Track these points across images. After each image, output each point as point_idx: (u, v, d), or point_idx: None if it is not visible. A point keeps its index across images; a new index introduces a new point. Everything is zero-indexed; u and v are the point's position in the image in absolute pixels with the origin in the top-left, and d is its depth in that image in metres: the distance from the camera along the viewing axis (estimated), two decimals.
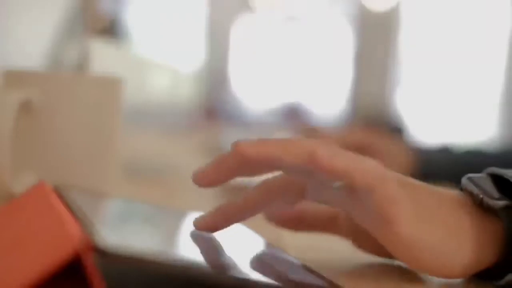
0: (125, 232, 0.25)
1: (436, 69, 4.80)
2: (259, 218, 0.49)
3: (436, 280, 0.33)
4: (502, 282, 0.31)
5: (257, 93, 5.27)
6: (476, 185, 0.32)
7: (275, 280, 0.23)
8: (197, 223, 0.32)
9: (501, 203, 0.30)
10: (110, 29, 0.57)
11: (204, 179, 0.30)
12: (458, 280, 0.33)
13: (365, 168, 0.28)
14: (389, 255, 0.36)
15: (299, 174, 0.30)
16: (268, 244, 0.33)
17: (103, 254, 0.20)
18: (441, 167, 0.81)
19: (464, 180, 0.33)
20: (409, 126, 3.50)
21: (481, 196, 0.31)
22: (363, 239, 0.36)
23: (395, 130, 3.23)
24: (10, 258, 0.22)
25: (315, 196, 0.33)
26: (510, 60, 4.55)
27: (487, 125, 4.65)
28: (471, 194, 0.32)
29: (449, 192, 0.32)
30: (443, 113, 4.78)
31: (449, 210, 0.31)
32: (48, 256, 0.20)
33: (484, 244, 0.31)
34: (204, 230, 0.32)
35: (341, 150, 0.29)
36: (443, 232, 0.30)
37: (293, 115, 5.02)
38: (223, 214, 0.32)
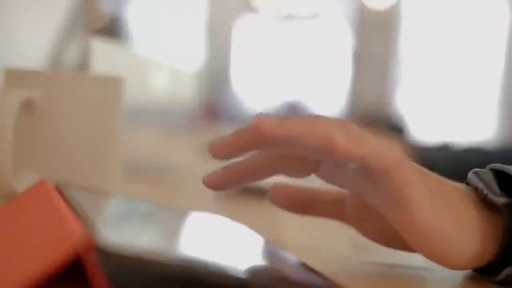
0: (126, 230, 0.25)
1: (436, 68, 4.80)
2: (259, 218, 0.49)
3: (436, 280, 0.33)
4: (499, 278, 0.31)
5: (257, 92, 5.27)
6: (481, 180, 0.32)
7: (275, 280, 0.23)
8: (206, 180, 0.32)
9: (503, 200, 0.31)
10: (111, 29, 0.57)
11: (220, 151, 0.30)
12: (459, 279, 0.33)
13: (381, 151, 0.29)
14: (392, 244, 0.36)
15: (316, 155, 0.30)
16: (268, 244, 0.33)
17: (104, 253, 0.20)
18: (441, 165, 0.82)
19: (470, 174, 0.33)
20: (409, 125, 3.51)
21: (485, 191, 0.31)
22: (367, 226, 0.36)
23: (395, 129, 3.23)
24: (11, 258, 0.22)
25: (328, 176, 0.32)
26: (508, 60, 4.55)
27: (486, 124, 4.65)
28: (475, 188, 0.32)
29: (457, 185, 0.33)
30: (443, 112, 4.78)
31: (458, 201, 0.31)
32: (48, 256, 0.20)
33: (486, 238, 0.31)
34: (212, 188, 0.32)
35: (358, 133, 0.30)
36: (454, 221, 0.31)
37: (293, 114, 5.02)
38: (232, 173, 0.32)
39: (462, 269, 0.31)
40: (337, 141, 0.28)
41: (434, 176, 0.32)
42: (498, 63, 4.61)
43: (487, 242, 0.31)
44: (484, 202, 0.32)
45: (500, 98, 4.62)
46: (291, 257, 0.30)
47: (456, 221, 0.31)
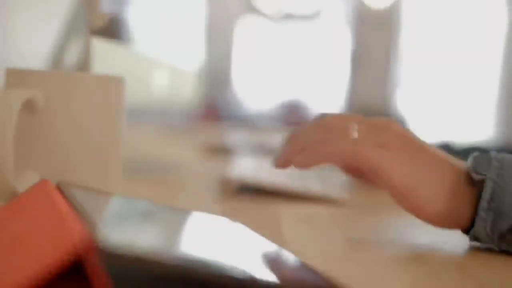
0: (127, 230, 0.25)
1: (436, 68, 4.80)
2: (259, 218, 0.49)
3: (431, 273, 0.34)
4: (469, 236, 0.41)
5: (258, 91, 5.28)
6: (475, 161, 0.41)
7: (275, 280, 0.23)
8: (276, 162, 0.45)
9: (479, 177, 0.40)
10: (111, 29, 0.57)
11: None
12: (452, 273, 0.34)
13: (338, 148, 0.42)
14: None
15: None
16: (268, 243, 0.33)
17: (104, 253, 0.20)
18: None
19: (470, 157, 0.42)
20: (409, 125, 3.52)
21: (467, 169, 0.41)
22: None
23: None
24: (11, 258, 0.22)
25: None
26: (507, 60, 4.57)
27: (485, 125, 4.67)
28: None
29: (448, 161, 0.42)
30: (443, 112, 4.79)
31: (437, 169, 0.41)
32: (49, 256, 0.21)
33: (461, 202, 0.41)
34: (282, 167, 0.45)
35: (315, 144, 0.43)
36: (424, 183, 0.41)
37: (293, 113, 5.03)
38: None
39: (433, 222, 0.41)
40: (299, 158, 0.43)
41: (418, 148, 0.42)
42: (497, 63, 4.63)
43: (460, 205, 0.41)
44: (471, 178, 0.41)
45: (499, 99, 4.63)
46: (291, 257, 0.31)
47: (426, 182, 0.41)
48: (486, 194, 0.40)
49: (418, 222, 0.51)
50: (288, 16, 5.14)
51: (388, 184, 0.41)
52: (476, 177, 0.40)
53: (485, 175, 0.40)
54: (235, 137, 1.46)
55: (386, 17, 4.81)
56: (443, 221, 0.41)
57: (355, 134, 0.42)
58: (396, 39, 4.83)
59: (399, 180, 0.40)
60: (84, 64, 0.50)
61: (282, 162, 0.44)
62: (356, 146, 0.41)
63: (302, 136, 0.44)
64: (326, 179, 0.69)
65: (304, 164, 0.43)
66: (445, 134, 4.54)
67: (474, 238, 0.41)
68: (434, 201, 0.40)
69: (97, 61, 0.52)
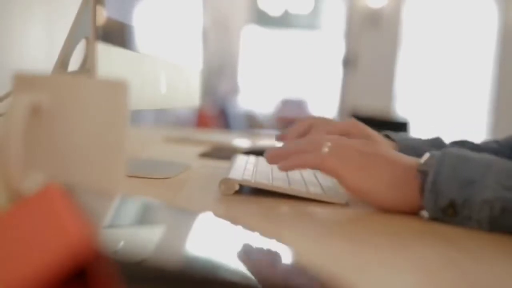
0: (130, 232, 0.25)
1: (434, 71, 4.81)
2: (259, 218, 0.50)
3: (431, 274, 0.34)
4: (426, 217, 0.52)
5: (258, 92, 5.27)
6: (429, 156, 0.53)
7: (275, 281, 0.24)
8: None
9: (423, 167, 0.52)
10: (117, 33, 0.58)
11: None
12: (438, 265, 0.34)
13: (309, 159, 0.56)
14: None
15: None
16: (267, 244, 0.34)
17: (108, 256, 0.20)
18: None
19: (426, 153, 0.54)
20: (409, 126, 3.52)
21: (417, 164, 0.53)
22: None
23: (399, 125, 3.22)
24: (13, 261, 0.22)
25: None
26: (499, 64, 4.58)
27: (479, 127, 4.69)
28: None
29: (399, 161, 0.54)
30: (438, 114, 4.79)
31: (382, 170, 0.54)
32: (49, 260, 0.21)
33: (408, 191, 0.53)
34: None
35: (297, 154, 0.58)
36: (369, 182, 0.54)
37: (292, 112, 5.02)
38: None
39: (384, 207, 0.54)
40: (288, 162, 0.58)
41: (370, 157, 0.55)
42: (490, 66, 4.66)
43: (409, 193, 0.52)
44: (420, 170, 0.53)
45: (492, 103, 4.66)
46: (291, 257, 0.31)
47: (371, 182, 0.54)
48: (429, 178, 0.51)
49: (416, 223, 0.51)
50: (287, 17, 5.13)
51: (345, 185, 0.55)
52: (421, 168, 0.52)
53: (431, 165, 0.51)
54: (236, 137, 1.46)
55: (385, 18, 4.80)
56: (392, 208, 0.54)
57: (326, 150, 0.56)
58: (394, 39, 4.82)
59: (351, 182, 0.55)
60: (89, 69, 0.51)
61: (270, 162, 0.59)
62: (323, 158, 0.55)
63: (290, 145, 0.59)
64: (326, 181, 0.70)
65: (286, 168, 0.57)
66: (440, 135, 4.54)
67: (427, 216, 0.52)
68: (379, 194, 0.54)
69: (102, 65, 0.52)
